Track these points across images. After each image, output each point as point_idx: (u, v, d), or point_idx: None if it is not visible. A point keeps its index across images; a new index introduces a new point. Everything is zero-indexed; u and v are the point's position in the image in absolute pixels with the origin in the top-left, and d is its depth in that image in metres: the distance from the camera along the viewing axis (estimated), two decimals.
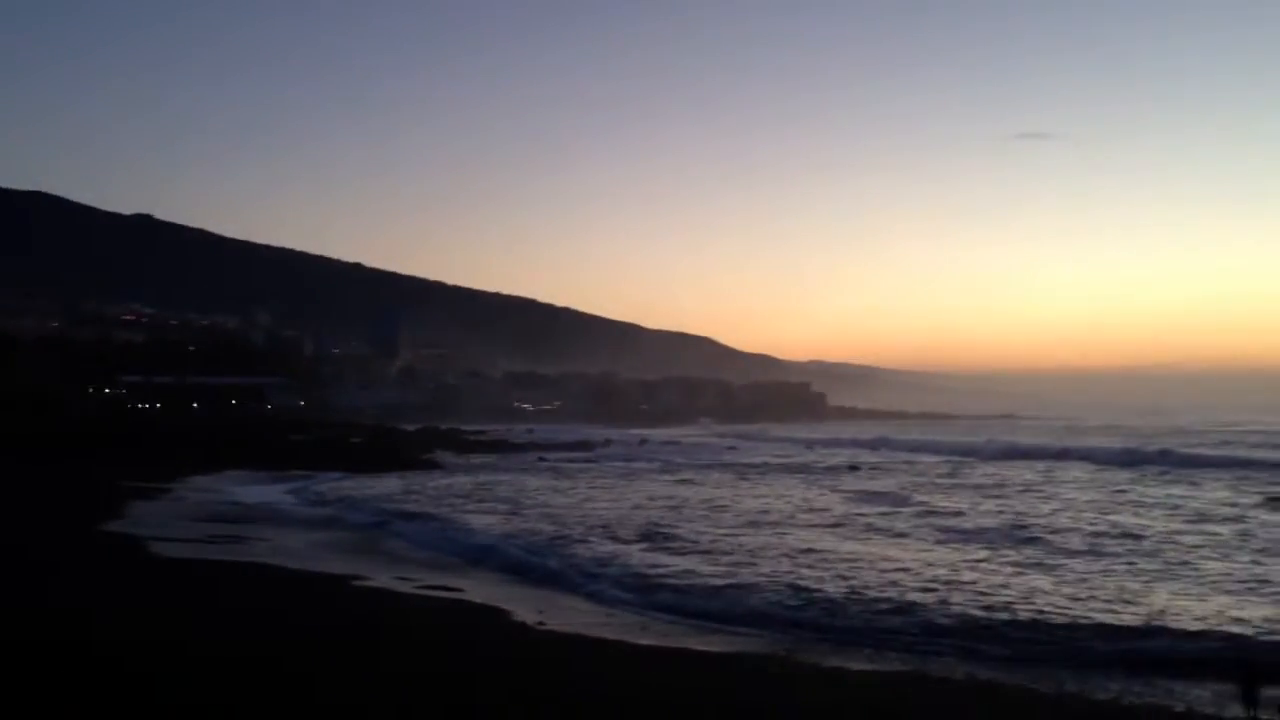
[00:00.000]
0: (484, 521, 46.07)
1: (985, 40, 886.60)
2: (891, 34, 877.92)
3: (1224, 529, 41.72)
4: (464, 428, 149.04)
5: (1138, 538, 39.41)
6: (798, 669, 19.53)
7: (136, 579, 26.34)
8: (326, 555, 35.06)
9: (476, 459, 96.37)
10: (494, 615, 24.40)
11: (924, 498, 58.93)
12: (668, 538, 39.50)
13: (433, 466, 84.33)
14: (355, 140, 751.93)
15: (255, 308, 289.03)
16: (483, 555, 35.97)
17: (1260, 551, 35.43)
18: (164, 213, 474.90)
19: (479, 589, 28.76)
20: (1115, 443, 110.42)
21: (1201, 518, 45.83)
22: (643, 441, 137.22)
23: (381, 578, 29.51)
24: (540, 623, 23.51)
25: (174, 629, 18.96)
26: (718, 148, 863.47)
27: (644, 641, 21.88)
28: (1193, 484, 64.95)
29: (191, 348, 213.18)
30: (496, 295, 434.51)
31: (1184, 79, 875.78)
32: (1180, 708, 17.42)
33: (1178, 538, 39.14)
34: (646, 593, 28.08)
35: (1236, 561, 33.52)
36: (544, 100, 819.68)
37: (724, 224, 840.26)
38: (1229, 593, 27.75)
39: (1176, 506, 51.46)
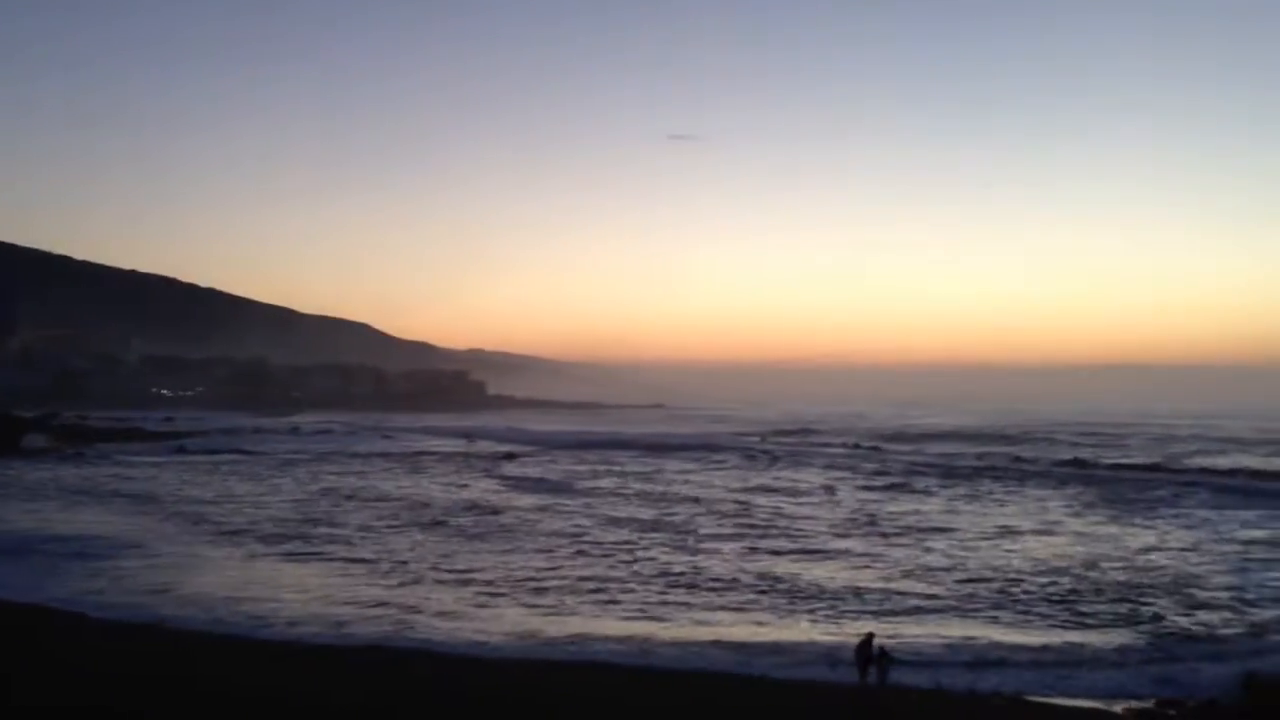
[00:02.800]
0: (91, 518, 43.07)
1: (636, 44, 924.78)
2: (551, 34, 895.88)
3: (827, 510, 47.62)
4: (92, 415, 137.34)
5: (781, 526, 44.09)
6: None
7: None
8: None
9: (102, 449, 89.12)
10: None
11: (585, 484, 62.24)
12: (308, 538, 38.58)
13: (43, 456, 77.51)
14: None
15: None
16: (95, 559, 33.61)
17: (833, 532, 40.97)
18: None
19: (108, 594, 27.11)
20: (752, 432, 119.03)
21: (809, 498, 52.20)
22: (294, 430, 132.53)
23: None
24: (161, 620, 22.71)
25: None
26: (376, 133, 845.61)
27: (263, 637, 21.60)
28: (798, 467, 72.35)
29: None
30: (133, 272, 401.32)
31: (832, 80, 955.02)
32: (802, 676, 20.12)
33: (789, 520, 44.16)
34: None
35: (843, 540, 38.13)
36: (190, 64, 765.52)
37: (382, 210, 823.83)
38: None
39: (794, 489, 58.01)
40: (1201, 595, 29.51)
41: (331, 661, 19.32)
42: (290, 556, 34.38)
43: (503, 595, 28.30)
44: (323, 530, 40.86)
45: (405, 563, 33.16)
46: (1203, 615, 26.94)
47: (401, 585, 29.36)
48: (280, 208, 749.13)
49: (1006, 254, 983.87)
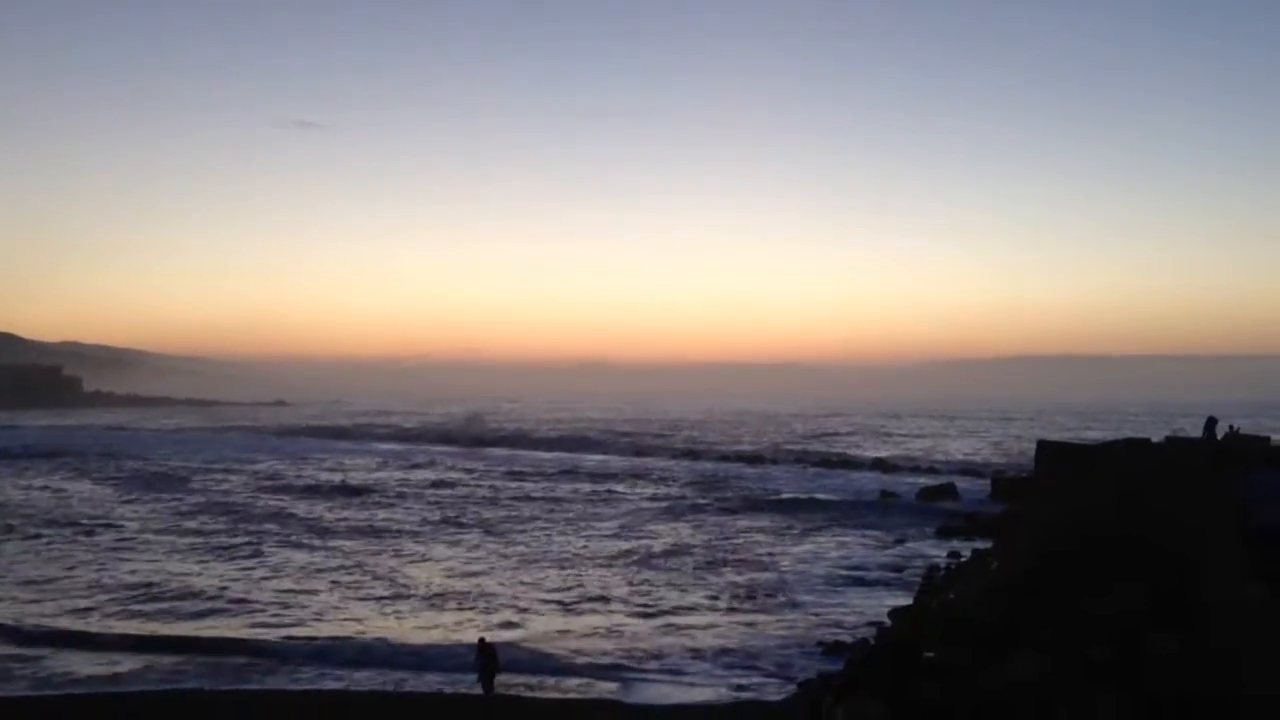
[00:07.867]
0: None
1: (260, 31, 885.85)
2: (169, 14, 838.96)
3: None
4: None
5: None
6: None
7: None
8: None
9: None
10: None
11: (199, 481, 60.19)
12: None
13: None
14: None
15: None
16: None
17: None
18: None
19: None
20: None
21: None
22: None
23: None
24: None
25: None
26: None
27: None
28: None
29: None
30: None
31: (461, 75, 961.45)
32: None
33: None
34: None
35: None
36: None
37: None
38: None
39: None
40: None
41: None
42: None
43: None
44: None
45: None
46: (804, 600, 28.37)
47: None
48: None
49: (643, 252, 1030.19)
